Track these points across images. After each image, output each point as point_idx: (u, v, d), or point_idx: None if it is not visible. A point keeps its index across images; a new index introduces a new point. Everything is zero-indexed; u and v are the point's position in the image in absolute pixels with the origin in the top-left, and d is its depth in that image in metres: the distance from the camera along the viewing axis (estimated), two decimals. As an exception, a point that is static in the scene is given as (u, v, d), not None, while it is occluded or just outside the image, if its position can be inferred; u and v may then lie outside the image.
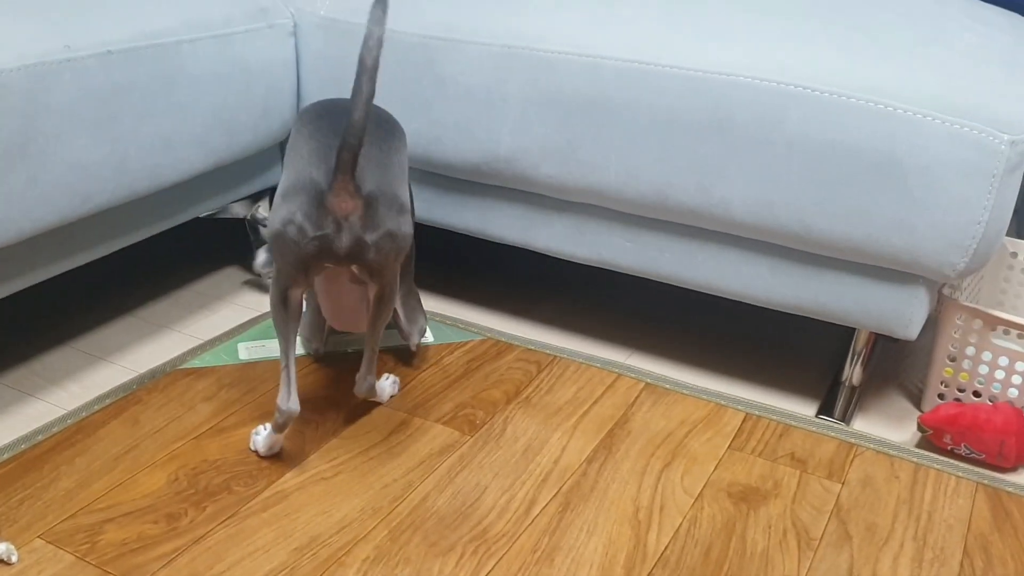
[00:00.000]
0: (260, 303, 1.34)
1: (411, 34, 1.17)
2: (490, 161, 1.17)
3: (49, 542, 0.86)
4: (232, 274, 1.42)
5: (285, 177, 0.92)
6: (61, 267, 1.08)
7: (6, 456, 0.97)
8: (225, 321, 1.28)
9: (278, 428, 0.96)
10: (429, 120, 1.19)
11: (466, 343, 1.25)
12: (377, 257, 0.90)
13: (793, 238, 1.05)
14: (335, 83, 1.24)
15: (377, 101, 1.15)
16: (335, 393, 1.11)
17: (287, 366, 0.95)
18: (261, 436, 0.99)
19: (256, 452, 0.99)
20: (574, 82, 1.09)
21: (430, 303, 1.37)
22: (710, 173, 1.05)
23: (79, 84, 0.98)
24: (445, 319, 1.31)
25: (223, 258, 1.47)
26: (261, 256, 1.31)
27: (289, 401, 0.94)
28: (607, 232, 1.17)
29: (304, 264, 0.89)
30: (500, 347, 1.24)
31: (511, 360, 1.21)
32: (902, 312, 1.06)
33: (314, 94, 1.26)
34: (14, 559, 0.83)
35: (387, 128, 0.98)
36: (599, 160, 1.11)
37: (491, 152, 1.16)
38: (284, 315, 0.94)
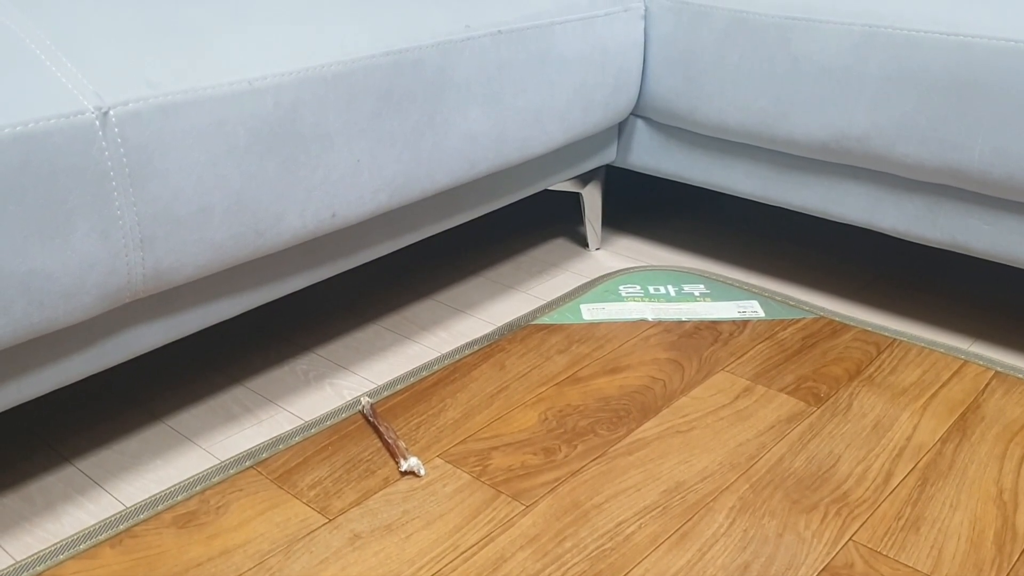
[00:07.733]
0: (590, 271, 1.42)
1: (768, 15, 1.20)
2: (840, 139, 1.18)
3: (447, 462, 0.98)
4: (563, 244, 1.52)
5: None
6: (440, 227, 1.21)
7: (400, 387, 1.11)
8: (563, 285, 1.38)
9: None
10: (777, 97, 1.21)
11: (799, 320, 1.27)
12: None
13: None
14: (681, 64, 1.29)
15: (720, 75, 1.20)
16: (678, 356, 1.17)
17: None
18: None
19: None
20: (939, 61, 1.08)
21: (759, 280, 1.40)
22: (1094, 154, 1.01)
23: (475, 61, 1.10)
24: (775, 295, 1.34)
25: (554, 229, 1.58)
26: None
27: None
28: (963, 214, 1.14)
29: None
30: (835, 326, 1.25)
31: (848, 340, 1.22)
32: None
33: (659, 75, 1.32)
34: (422, 472, 0.96)
35: None
36: (963, 140, 1.09)
37: (843, 130, 1.17)
38: None
